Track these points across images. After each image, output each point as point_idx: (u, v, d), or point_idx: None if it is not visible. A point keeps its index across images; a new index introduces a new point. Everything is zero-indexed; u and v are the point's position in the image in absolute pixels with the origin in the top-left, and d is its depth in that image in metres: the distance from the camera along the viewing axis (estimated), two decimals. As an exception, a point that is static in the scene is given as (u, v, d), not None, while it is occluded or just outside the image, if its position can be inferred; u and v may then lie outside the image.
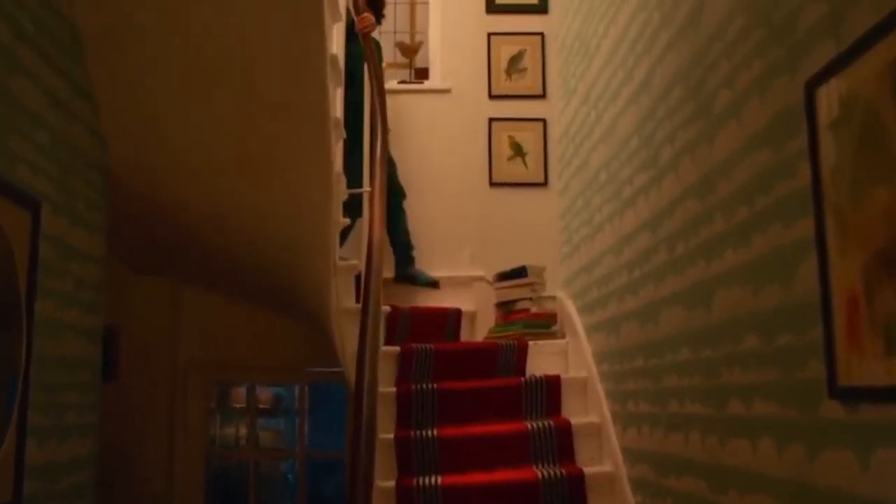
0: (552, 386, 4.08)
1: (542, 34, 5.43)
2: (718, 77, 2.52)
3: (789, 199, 2.04)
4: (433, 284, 5.17)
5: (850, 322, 1.71)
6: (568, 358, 4.48)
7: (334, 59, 3.74)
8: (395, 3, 6.42)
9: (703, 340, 2.64)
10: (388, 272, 4.88)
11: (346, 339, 4.15)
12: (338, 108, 4.04)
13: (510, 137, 5.40)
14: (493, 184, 5.45)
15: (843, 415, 1.79)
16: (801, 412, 1.99)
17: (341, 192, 4.16)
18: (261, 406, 6.97)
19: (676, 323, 2.90)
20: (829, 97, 1.81)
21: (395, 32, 6.40)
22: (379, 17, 5.00)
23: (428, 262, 5.26)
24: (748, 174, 2.28)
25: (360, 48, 4.62)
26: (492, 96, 5.46)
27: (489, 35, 5.51)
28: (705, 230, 2.62)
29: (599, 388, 3.93)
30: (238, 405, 6.64)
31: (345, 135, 4.19)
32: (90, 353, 3.54)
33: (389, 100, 4.61)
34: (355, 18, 4.74)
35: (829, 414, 1.84)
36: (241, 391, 6.39)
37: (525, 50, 5.41)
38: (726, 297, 2.45)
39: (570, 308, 4.60)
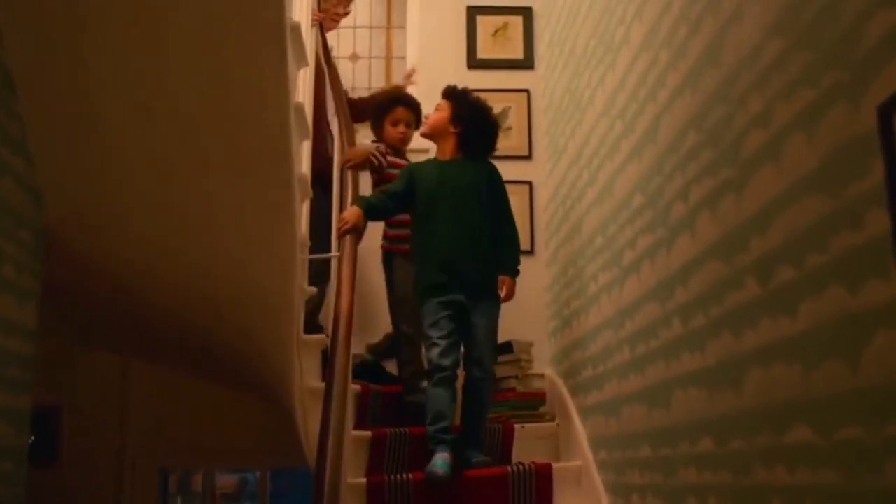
0: (543, 475, 3.62)
1: (527, 91, 5.07)
2: (748, 115, 2.13)
3: (855, 255, 1.63)
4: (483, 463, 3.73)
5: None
6: (559, 444, 4.04)
7: (299, 108, 3.35)
8: (370, 59, 6.08)
9: (732, 429, 2.21)
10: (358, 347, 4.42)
11: (312, 421, 3.68)
12: (304, 164, 3.63)
13: (493, 203, 4.98)
14: (475, 251, 5.00)
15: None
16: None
17: (306, 256, 3.74)
18: (223, 491, 6.48)
19: (695, 407, 2.47)
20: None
21: (369, 88, 6.03)
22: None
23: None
24: (792, 227, 1.88)
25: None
26: (474, 158, 5.04)
27: (471, 92, 5.14)
28: (732, 297, 2.21)
29: (597, 480, 3.47)
30: (199, 490, 6.14)
31: (311, 194, 3.78)
32: (13, 440, 3.07)
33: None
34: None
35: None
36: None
37: (509, 107, 5.04)
38: (763, 377, 2.02)
39: (561, 387, 4.16)
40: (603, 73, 3.57)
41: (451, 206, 3.74)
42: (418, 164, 4.00)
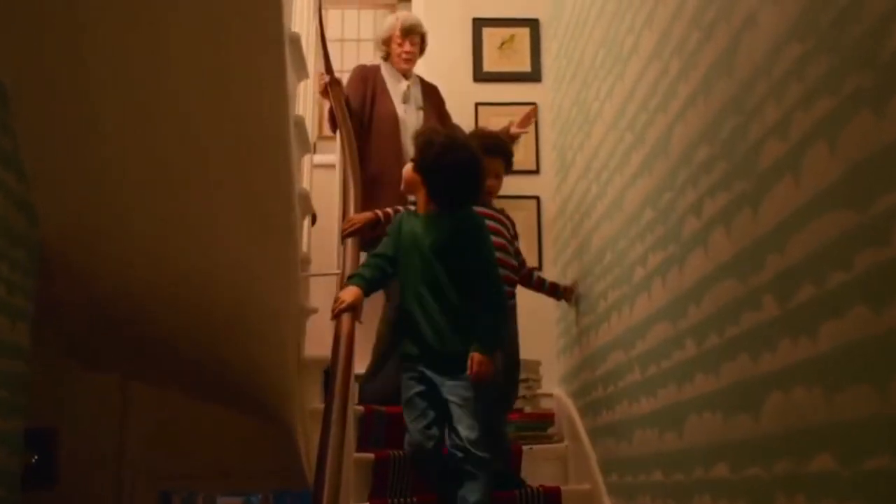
0: (551, 499, 3.51)
1: (535, 104, 4.97)
2: (765, 126, 2.02)
3: (880, 272, 1.52)
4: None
5: None
6: (568, 466, 3.92)
7: (300, 122, 3.26)
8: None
9: (749, 455, 2.09)
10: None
11: (313, 443, 3.57)
12: (305, 179, 3.54)
13: (500, 218, 4.88)
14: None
15: None
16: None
17: (308, 273, 3.64)
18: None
19: (709, 432, 2.36)
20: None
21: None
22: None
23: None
24: (813, 243, 1.78)
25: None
26: (479, 173, 4.94)
27: (476, 105, 5.07)
28: (749, 317, 2.10)
29: (607, 504, 3.36)
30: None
31: (314, 210, 3.69)
32: (5, 463, 2.98)
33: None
34: None
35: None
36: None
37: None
38: (783, 401, 1.91)
39: (570, 408, 4.05)
40: (612, 83, 3.48)
41: (418, 268, 3.23)
42: (406, 216, 3.41)
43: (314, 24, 3.91)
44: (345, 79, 4.66)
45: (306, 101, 3.66)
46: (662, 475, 2.75)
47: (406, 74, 4.64)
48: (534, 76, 5.11)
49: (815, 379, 1.76)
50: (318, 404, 3.63)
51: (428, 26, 4.78)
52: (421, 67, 4.80)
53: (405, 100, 4.53)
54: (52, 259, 3.24)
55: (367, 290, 3.24)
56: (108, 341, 4.08)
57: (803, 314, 1.81)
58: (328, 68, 4.14)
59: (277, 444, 4.10)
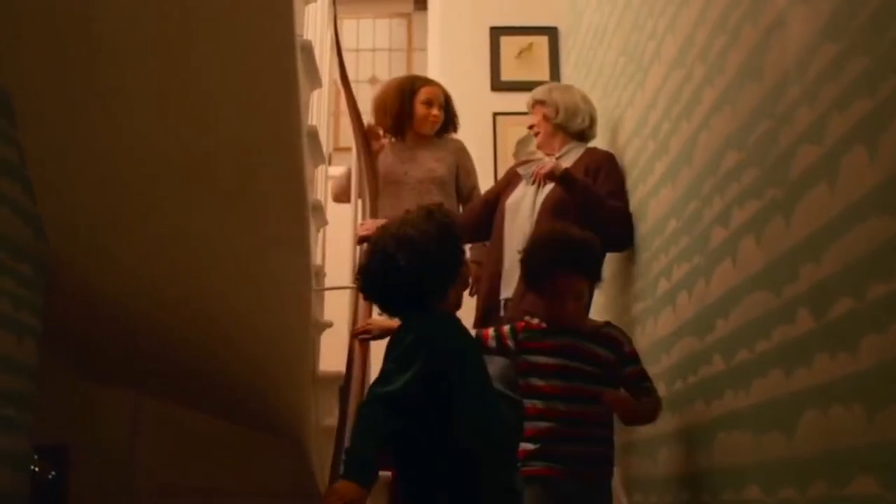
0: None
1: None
2: (796, 131, 1.93)
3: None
4: None
5: None
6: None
7: (313, 132, 3.18)
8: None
9: (782, 477, 1.99)
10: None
11: (328, 462, 3.48)
12: (318, 190, 3.46)
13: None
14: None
15: None
16: None
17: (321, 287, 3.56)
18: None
19: (740, 452, 2.26)
20: None
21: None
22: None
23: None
24: (851, 253, 1.68)
25: None
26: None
27: (494, 115, 5.00)
28: (781, 331, 2.00)
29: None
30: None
31: (328, 221, 3.61)
32: (10, 485, 2.90)
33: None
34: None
35: None
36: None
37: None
38: (818, 420, 1.81)
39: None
40: (633, 91, 3.39)
41: None
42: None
43: (329, 32, 3.84)
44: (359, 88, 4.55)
45: (321, 111, 3.58)
46: (690, 495, 2.65)
47: None
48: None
49: (855, 396, 1.66)
50: (333, 421, 3.53)
51: (444, 36, 4.70)
52: (440, 79, 4.71)
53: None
54: (60, 274, 3.17)
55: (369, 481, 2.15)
56: (119, 357, 4.01)
57: (841, 328, 1.71)
58: (343, 77, 4.04)
59: (292, 463, 4.02)
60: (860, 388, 1.64)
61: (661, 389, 2.91)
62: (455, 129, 4.17)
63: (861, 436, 1.64)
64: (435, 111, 4.03)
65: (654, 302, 3.04)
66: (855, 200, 1.66)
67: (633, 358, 2.65)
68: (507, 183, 3.63)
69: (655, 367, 2.98)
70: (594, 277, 2.73)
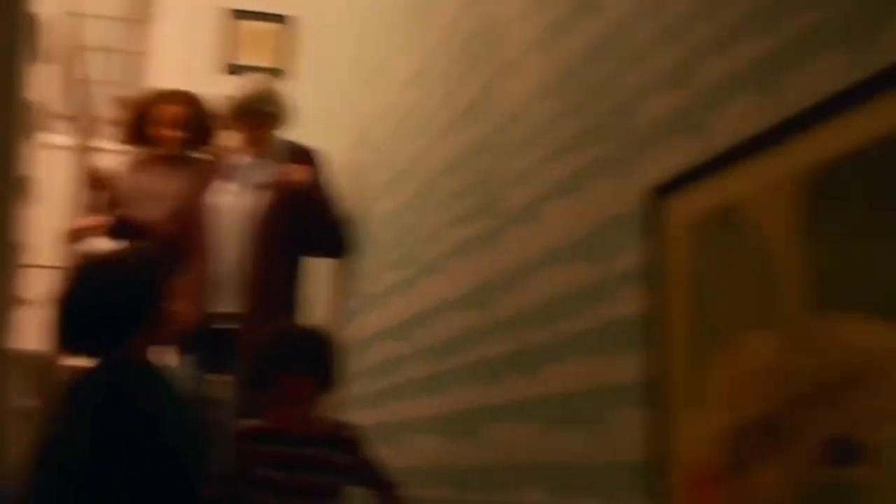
0: None
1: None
2: (513, 172, 2.12)
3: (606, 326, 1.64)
4: None
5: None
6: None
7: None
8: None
9: (471, 479, 2.19)
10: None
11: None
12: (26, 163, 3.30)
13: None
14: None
15: None
16: None
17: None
18: None
19: (429, 453, 2.44)
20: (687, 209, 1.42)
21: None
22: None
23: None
24: (546, 291, 1.88)
25: None
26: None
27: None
28: (482, 349, 2.19)
29: None
30: None
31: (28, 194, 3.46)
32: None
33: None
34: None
35: None
36: None
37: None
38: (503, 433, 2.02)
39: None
40: (368, 96, 3.49)
41: None
42: None
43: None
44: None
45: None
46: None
47: None
48: (285, 74, 5.08)
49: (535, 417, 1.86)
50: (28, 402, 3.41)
51: (174, 15, 4.56)
52: (166, 62, 4.60)
53: None
54: None
55: None
56: None
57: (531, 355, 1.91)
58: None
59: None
60: (540, 411, 1.85)
61: (364, 386, 3.06)
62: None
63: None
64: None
65: (366, 302, 3.18)
66: (556, 245, 1.86)
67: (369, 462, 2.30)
68: (209, 178, 3.41)
69: (358, 364, 3.12)
70: (326, 381, 2.28)
